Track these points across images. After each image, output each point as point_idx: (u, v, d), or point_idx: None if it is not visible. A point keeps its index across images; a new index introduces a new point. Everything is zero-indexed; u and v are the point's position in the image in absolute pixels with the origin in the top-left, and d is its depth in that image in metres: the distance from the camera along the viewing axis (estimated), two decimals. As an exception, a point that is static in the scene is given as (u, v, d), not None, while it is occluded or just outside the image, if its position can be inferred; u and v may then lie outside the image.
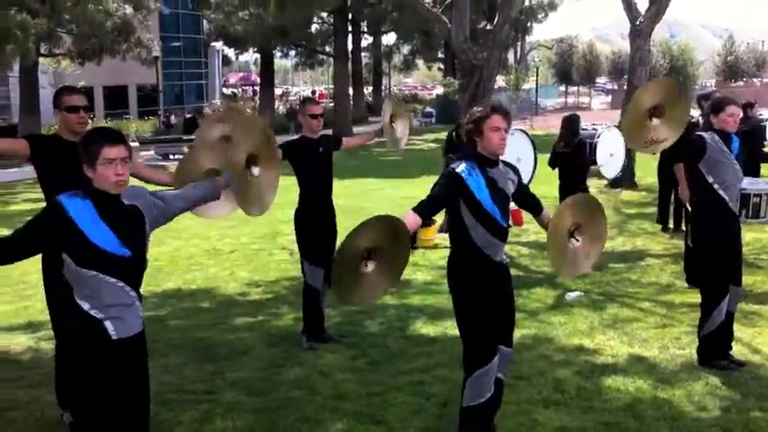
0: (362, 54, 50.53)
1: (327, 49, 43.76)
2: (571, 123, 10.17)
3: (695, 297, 7.72)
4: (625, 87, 21.03)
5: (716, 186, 5.85)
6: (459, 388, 5.55)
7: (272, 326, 7.52)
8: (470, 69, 12.46)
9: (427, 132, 39.32)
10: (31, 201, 18.17)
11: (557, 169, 10.38)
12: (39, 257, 11.02)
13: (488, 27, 36.68)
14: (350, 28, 39.99)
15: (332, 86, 77.44)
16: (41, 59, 31.32)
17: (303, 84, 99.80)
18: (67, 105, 4.85)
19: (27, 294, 9.02)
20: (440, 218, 12.32)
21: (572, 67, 60.62)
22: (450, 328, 7.22)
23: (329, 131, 7.14)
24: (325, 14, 41.15)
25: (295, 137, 6.89)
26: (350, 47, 40.46)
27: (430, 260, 10.39)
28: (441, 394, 5.52)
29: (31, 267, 10.42)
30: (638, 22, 17.29)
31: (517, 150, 10.54)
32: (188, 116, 36.14)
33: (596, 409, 5.21)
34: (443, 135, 35.82)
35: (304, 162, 6.65)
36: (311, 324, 6.87)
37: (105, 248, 3.44)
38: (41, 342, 7.11)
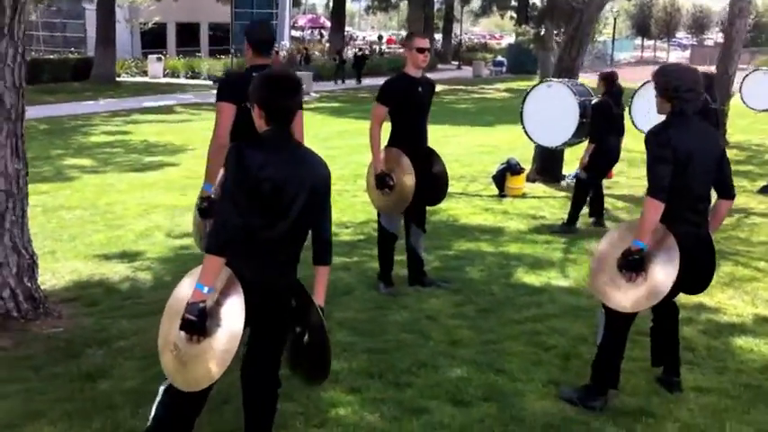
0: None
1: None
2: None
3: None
4: (706, 43, 20.12)
5: None
6: (579, 341, 5.35)
7: (367, 267, 7.31)
8: (570, 12, 11.93)
9: (498, 82, 38.58)
10: (108, 133, 18.27)
11: None
12: (123, 189, 10.91)
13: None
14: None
15: (398, 33, 76.67)
16: (118, -7, 31.41)
17: (371, 29, 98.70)
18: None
19: (117, 224, 8.99)
20: (528, 165, 12.00)
21: (651, 20, 58.69)
22: (554, 278, 6.99)
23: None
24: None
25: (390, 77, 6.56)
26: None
27: (519, 209, 10.05)
28: (561, 346, 5.27)
29: (116, 198, 10.50)
30: (740, -29, 16.42)
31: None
32: (358, 53, 36.50)
33: (731, 369, 4.91)
34: (515, 84, 35.30)
35: (401, 99, 6.28)
36: (387, 269, 6.66)
37: None
38: (138, 272, 7.05)
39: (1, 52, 5.53)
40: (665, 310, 4.65)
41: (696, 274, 4.35)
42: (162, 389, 3.51)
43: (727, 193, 4.52)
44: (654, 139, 4.26)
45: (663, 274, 4.16)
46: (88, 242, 8.11)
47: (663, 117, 4.38)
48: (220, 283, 3.26)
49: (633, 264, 4.19)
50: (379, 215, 6.68)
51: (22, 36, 5.72)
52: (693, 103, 4.31)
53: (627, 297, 4.25)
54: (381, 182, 6.35)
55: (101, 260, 7.42)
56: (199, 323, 3.18)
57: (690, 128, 4.30)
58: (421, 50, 6.31)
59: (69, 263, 7.30)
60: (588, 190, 9.04)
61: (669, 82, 4.28)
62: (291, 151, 3.38)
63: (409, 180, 6.26)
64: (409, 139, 6.38)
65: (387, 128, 6.32)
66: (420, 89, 6.39)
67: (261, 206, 3.25)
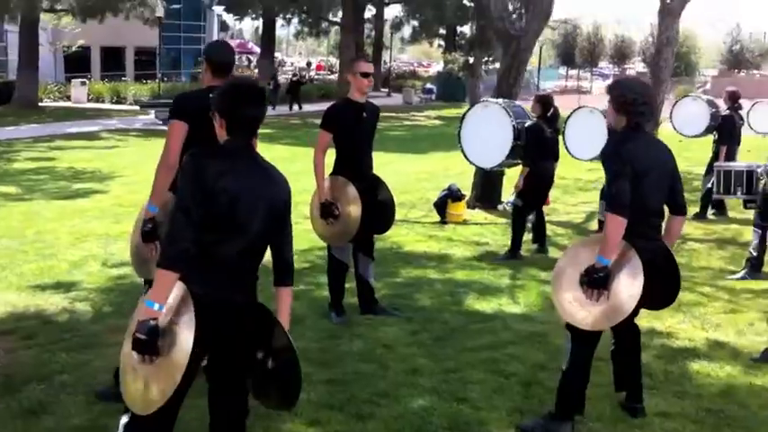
0: (366, 26, 49.70)
1: (330, 18, 43.03)
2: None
3: (758, 284, 7.50)
4: (628, 73, 20.69)
5: None
6: (538, 368, 5.30)
7: (316, 295, 7.16)
8: (507, 40, 12.05)
9: (428, 109, 38.85)
10: (32, 159, 17.67)
11: None
12: (51, 217, 10.46)
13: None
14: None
15: (327, 59, 76.80)
16: (42, 15, 30.51)
17: (298, 55, 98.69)
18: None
19: (49, 253, 8.62)
20: (468, 192, 12.00)
21: (575, 50, 60.09)
22: (505, 305, 6.96)
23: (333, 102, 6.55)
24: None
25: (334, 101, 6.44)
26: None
27: (463, 235, 10.04)
28: (522, 374, 5.21)
29: (45, 226, 10.10)
30: (668, 0, 16.87)
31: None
32: (294, 78, 36.09)
33: (691, 394, 4.92)
34: (446, 112, 35.57)
35: (346, 125, 6.17)
36: (338, 298, 6.53)
37: None
38: (76, 303, 6.74)
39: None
40: (626, 332, 4.62)
41: (662, 286, 4.33)
42: (122, 423, 3.31)
43: (681, 209, 4.53)
44: (612, 155, 4.26)
45: (627, 290, 4.12)
46: (19, 272, 7.74)
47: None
48: (174, 299, 3.10)
49: (598, 281, 4.14)
50: (329, 246, 6.54)
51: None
52: (648, 117, 4.33)
53: (590, 314, 4.20)
54: (326, 211, 6.21)
55: (35, 291, 7.08)
56: (149, 342, 3.01)
57: (646, 142, 4.33)
58: (365, 75, 6.23)
59: (1, 294, 6.94)
60: (525, 216, 9.05)
61: (625, 95, 4.28)
62: (251, 164, 3.26)
63: (355, 210, 6.13)
64: (354, 166, 6.26)
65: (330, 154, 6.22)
66: (365, 114, 6.29)
67: (215, 219, 3.12)
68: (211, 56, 4.66)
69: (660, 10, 16.85)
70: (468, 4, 41.68)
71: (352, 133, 6.23)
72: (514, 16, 12.49)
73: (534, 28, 12.12)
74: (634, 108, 4.25)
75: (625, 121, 4.30)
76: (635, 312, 4.46)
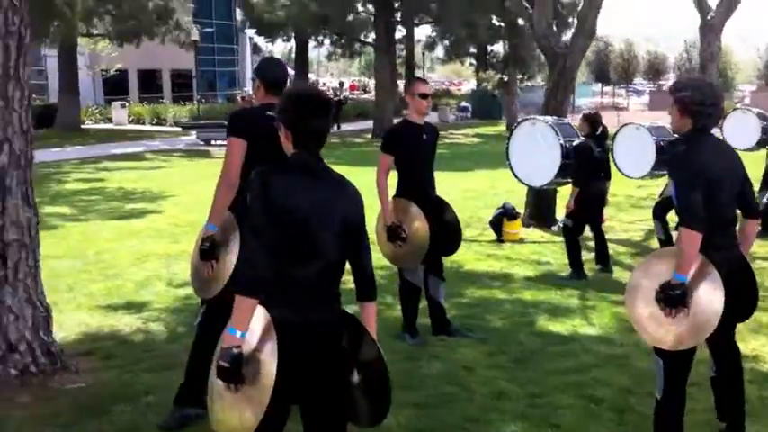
0: (397, 46, 49.66)
1: (363, 39, 43.08)
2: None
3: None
4: (664, 89, 20.51)
5: None
6: (627, 393, 5.20)
7: (386, 316, 7.08)
8: (553, 58, 11.96)
9: (465, 127, 38.79)
10: (82, 180, 17.89)
11: None
12: (110, 237, 10.53)
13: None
14: (396, 17, 39.16)
15: (359, 79, 77.21)
16: (79, 40, 30.97)
17: (330, 76, 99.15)
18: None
19: (112, 273, 8.68)
20: (522, 209, 11.88)
21: (609, 67, 59.86)
22: (580, 326, 6.85)
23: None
24: (359, 4, 40.14)
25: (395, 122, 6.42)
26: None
27: (522, 254, 9.95)
28: (610, 399, 5.10)
29: (104, 246, 10.17)
30: (709, 17, 16.75)
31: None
32: (335, 99, 36.26)
33: (793, 421, 4.79)
34: (483, 130, 35.49)
35: (407, 147, 6.16)
36: (412, 320, 6.45)
37: None
38: (150, 323, 6.76)
39: (8, 96, 5.30)
40: (726, 353, 4.46)
41: (741, 297, 4.15)
42: None
43: (754, 212, 4.31)
44: (681, 165, 4.02)
45: (708, 307, 3.90)
46: (87, 292, 7.80)
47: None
48: (256, 326, 3.02)
49: (674, 299, 3.95)
50: (401, 269, 6.49)
51: (28, 79, 5.51)
52: (714, 120, 4.14)
53: (669, 332, 3.99)
54: (394, 234, 6.16)
55: (106, 311, 7.12)
56: (233, 370, 2.94)
57: (713, 147, 4.11)
58: (424, 96, 6.24)
59: (74, 314, 6.99)
60: (576, 235, 8.89)
61: (693, 96, 4.04)
62: (321, 177, 3.12)
63: (422, 227, 6.07)
64: (418, 187, 6.24)
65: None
66: (425, 136, 6.27)
67: (290, 239, 3.01)
68: (264, 73, 4.62)
69: (701, 26, 16.73)
70: (497, 23, 41.64)
71: (414, 155, 6.22)
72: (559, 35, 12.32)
73: (580, 45, 11.97)
74: (701, 110, 4.02)
75: (690, 123, 4.07)
76: (730, 330, 4.32)
